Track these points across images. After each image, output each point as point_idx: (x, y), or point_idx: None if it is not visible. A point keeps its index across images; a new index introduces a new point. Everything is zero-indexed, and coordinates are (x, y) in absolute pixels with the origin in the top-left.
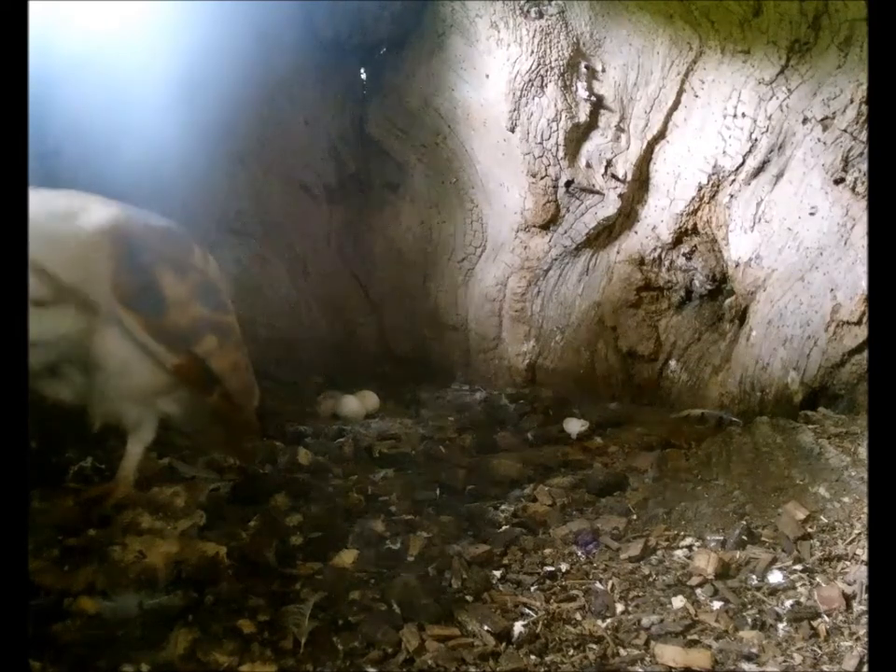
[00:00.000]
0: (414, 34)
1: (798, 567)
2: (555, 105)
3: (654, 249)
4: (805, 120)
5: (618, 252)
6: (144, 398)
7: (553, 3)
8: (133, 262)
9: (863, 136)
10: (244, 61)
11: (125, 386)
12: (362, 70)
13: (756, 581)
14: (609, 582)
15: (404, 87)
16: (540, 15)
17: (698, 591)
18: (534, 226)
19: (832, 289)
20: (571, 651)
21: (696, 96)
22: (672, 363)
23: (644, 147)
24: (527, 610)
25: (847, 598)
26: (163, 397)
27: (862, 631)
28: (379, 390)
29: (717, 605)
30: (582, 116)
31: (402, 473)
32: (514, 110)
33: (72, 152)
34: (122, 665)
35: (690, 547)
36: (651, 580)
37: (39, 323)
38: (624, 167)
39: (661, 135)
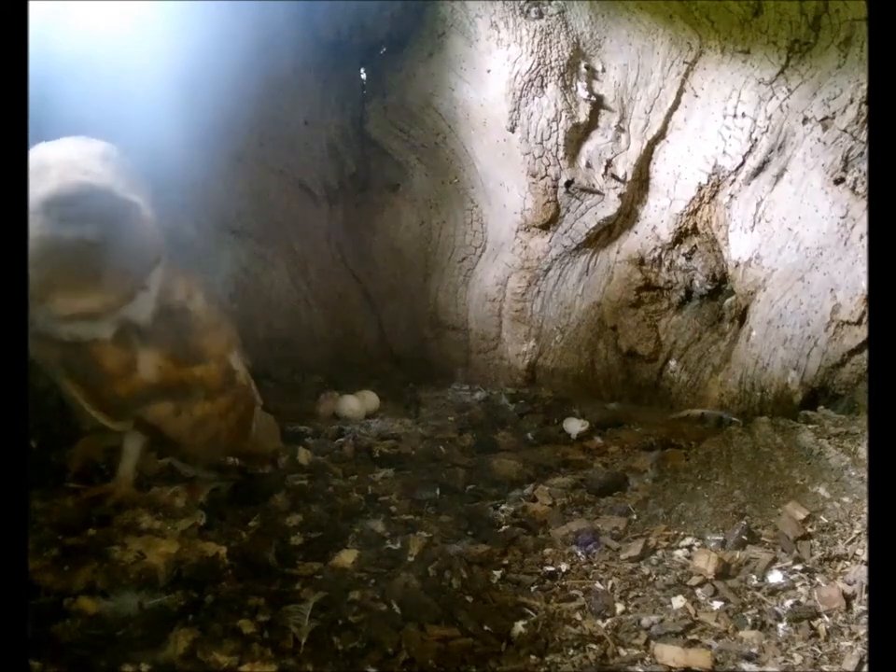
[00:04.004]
0: (414, 34)
1: (798, 567)
2: (555, 105)
3: (654, 249)
4: (805, 120)
5: (618, 252)
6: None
7: (553, 3)
8: None
9: (863, 136)
10: (244, 61)
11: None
12: (362, 70)
13: (756, 581)
14: (609, 582)
15: (404, 87)
16: (540, 15)
17: (698, 591)
18: (534, 226)
19: (832, 289)
20: (571, 651)
21: (696, 96)
22: (672, 363)
23: (644, 146)
24: (527, 610)
25: (847, 598)
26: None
27: (862, 631)
28: (379, 390)
29: (717, 605)
30: (582, 116)
31: (402, 473)
32: (514, 110)
33: None
34: (122, 665)
35: (690, 547)
36: (651, 580)
37: None
38: (624, 167)
39: (661, 135)
